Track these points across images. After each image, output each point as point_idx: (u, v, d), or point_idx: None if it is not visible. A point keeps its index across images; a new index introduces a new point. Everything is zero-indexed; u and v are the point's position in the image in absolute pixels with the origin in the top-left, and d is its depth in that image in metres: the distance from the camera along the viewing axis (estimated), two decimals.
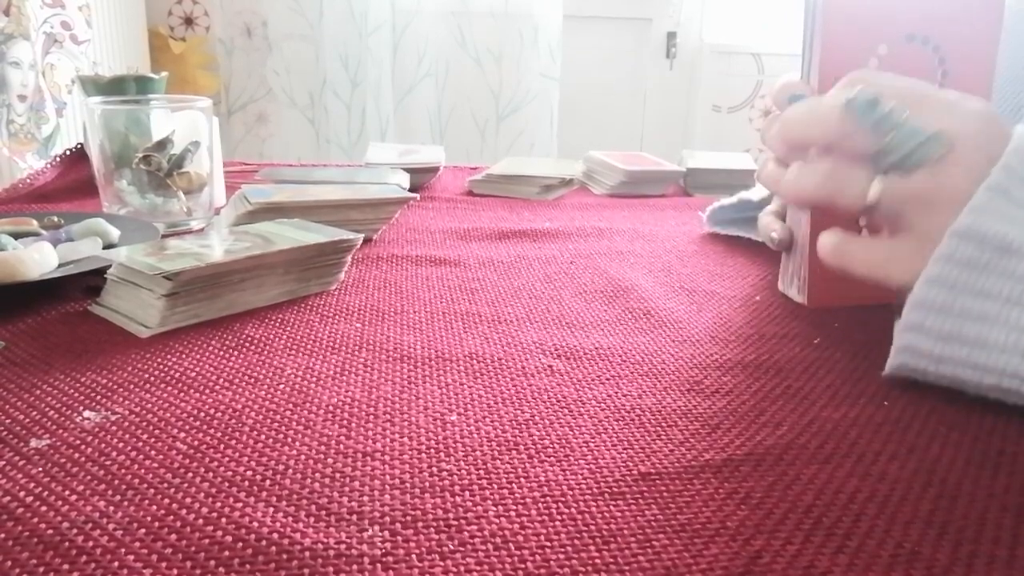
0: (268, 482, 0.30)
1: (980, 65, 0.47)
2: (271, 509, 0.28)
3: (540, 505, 0.29)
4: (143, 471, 0.31)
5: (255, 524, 0.27)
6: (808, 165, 0.39)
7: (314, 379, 0.40)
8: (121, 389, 0.38)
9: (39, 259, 0.49)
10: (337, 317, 0.49)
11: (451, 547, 0.27)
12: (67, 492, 0.29)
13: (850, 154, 0.38)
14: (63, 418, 0.35)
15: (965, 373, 0.36)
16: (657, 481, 0.31)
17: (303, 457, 0.32)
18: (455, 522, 0.28)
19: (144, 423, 0.34)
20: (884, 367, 0.41)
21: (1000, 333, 0.34)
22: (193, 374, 0.40)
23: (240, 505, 0.29)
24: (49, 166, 0.86)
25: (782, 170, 0.41)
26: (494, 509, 0.29)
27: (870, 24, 0.47)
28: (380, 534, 0.27)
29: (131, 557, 0.26)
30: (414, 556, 0.26)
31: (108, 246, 0.55)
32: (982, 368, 0.35)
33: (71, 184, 0.82)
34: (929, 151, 0.36)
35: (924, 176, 0.36)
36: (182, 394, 0.38)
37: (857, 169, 0.37)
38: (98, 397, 0.37)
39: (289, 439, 0.34)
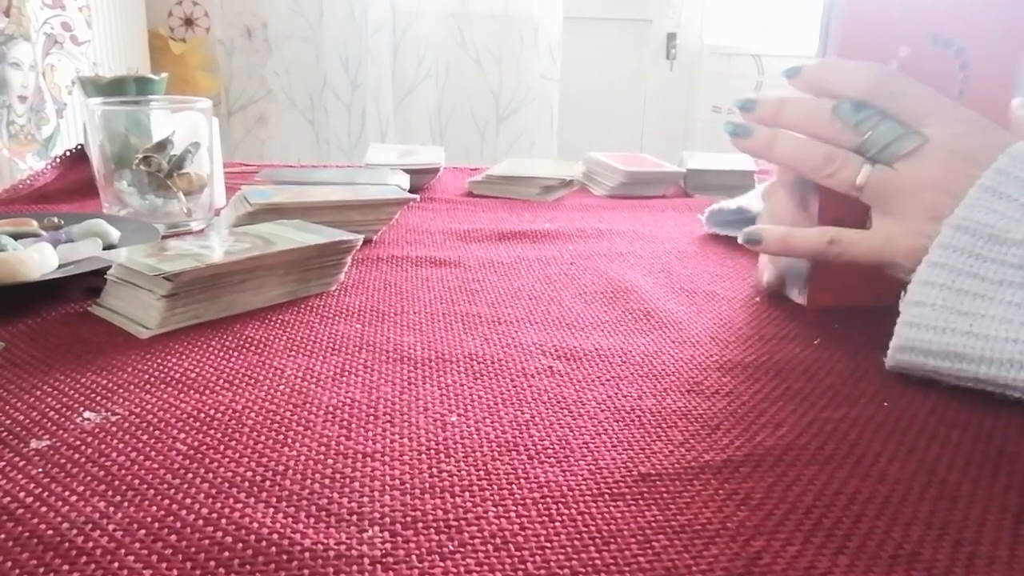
0: (268, 483, 0.30)
1: (1001, 70, 0.46)
2: (271, 510, 0.28)
3: (540, 506, 0.29)
4: (143, 472, 0.31)
5: (255, 525, 0.27)
6: (813, 142, 0.45)
7: (314, 380, 0.40)
8: (121, 390, 0.38)
9: (39, 260, 0.49)
10: (337, 318, 0.49)
11: (451, 548, 0.27)
12: (67, 493, 0.29)
13: (843, 146, 0.45)
14: (63, 419, 0.35)
15: (966, 347, 0.38)
16: (657, 482, 0.31)
17: (303, 458, 0.32)
18: (455, 523, 0.28)
19: (144, 424, 0.34)
20: (884, 368, 0.41)
21: (996, 309, 0.37)
22: (193, 375, 0.40)
23: (240, 506, 0.29)
24: (49, 167, 0.86)
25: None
26: (494, 510, 0.29)
27: (891, 24, 0.46)
28: (380, 535, 0.27)
29: (131, 558, 0.26)
30: (414, 557, 0.26)
31: (108, 247, 0.55)
32: (982, 337, 0.37)
33: (71, 185, 0.82)
34: (904, 144, 0.42)
35: (904, 167, 0.42)
36: (182, 395, 0.38)
37: (852, 156, 0.44)
38: (98, 398, 0.37)
39: (289, 440, 0.34)
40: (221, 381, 0.39)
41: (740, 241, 0.48)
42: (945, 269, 0.39)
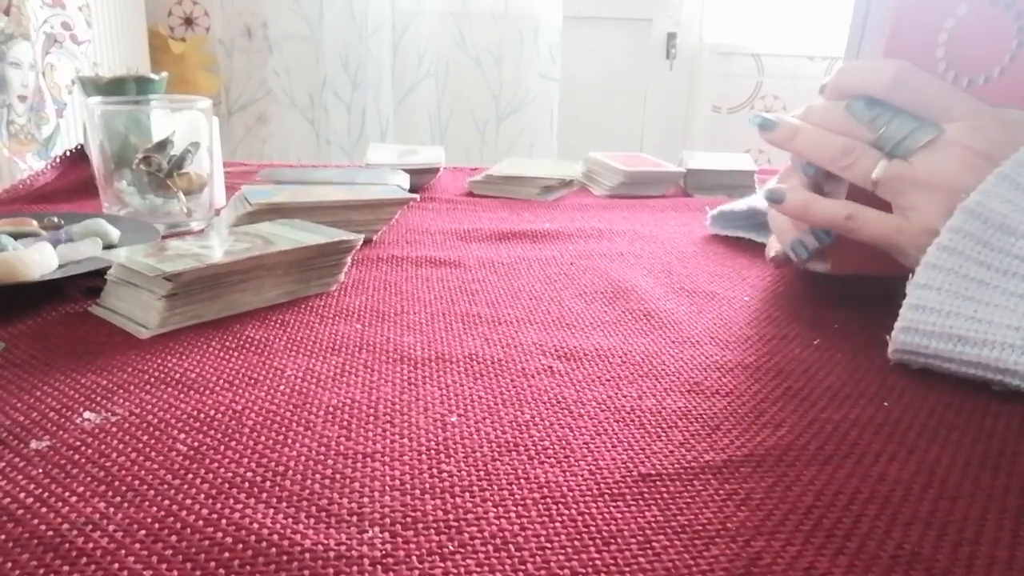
0: (268, 483, 0.30)
1: None
2: (271, 510, 0.28)
3: (540, 506, 0.29)
4: (143, 472, 0.31)
5: (255, 526, 0.28)
6: (832, 134, 0.46)
7: (314, 380, 0.40)
8: (121, 390, 0.38)
9: (39, 260, 0.49)
10: (337, 318, 0.49)
11: (451, 548, 0.27)
12: (67, 493, 0.29)
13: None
14: (63, 419, 0.35)
15: (968, 331, 0.38)
16: (657, 482, 0.31)
17: (303, 458, 0.32)
18: (455, 523, 0.28)
19: (144, 424, 0.34)
20: (884, 368, 0.41)
21: (1000, 299, 0.37)
22: (193, 375, 0.40)
23: (240, 507, 0.29)
24: (49, 167, 0.86)
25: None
26: (494, 510, 0.29)
27: None
28: (380, 535, 0.27)
29: (131, 559, 0.26)
30: (414, 558, 0.26)
31: (108, 247, 0.55)
32: (984, 322, 0.37)
33: (71, 185, 0.82)
34: (919, 137, 0.42)
35: (920, 160, 0.42)
36: (182, 395, 0.38)
37: (869, 150, 0.44)
38: (98, 398, 0.37)
39: (289, 440, 0.34)
40: (221, 381, 0.39)
41: (763, 198, 0.50)
42: (954, 254, 0.39)
